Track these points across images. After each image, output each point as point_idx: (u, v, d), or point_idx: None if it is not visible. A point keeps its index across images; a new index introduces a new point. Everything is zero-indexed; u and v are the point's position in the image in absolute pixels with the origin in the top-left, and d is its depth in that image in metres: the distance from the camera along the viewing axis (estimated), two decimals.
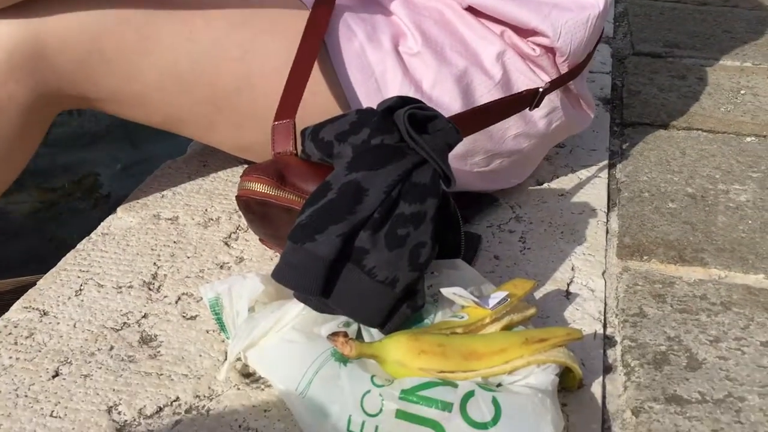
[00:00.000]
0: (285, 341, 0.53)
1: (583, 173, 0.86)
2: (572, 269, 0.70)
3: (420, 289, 0.56)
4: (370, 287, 0.52)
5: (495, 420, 0.45)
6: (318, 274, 0.51)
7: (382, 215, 0.53)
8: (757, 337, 0.61)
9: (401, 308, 0.54)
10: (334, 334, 0.48)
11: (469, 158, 0.74)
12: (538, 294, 0.66)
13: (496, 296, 0.56)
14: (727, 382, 0.57)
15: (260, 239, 0.71)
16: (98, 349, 0.59)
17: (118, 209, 0.77)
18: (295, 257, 0.52)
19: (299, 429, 0.51)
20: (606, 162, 0.88)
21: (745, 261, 0.70)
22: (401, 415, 0.46)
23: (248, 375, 0.56)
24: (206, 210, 0.77)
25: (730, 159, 0.88)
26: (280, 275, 0.53)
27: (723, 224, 0.76)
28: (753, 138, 0.93)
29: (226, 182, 0.82)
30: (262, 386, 0.55)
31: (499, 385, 0.49)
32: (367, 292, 0.52)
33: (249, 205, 0.64)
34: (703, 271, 0.69)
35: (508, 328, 0.54)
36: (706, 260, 0.71)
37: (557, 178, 0.85)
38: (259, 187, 0.62)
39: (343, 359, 0.49)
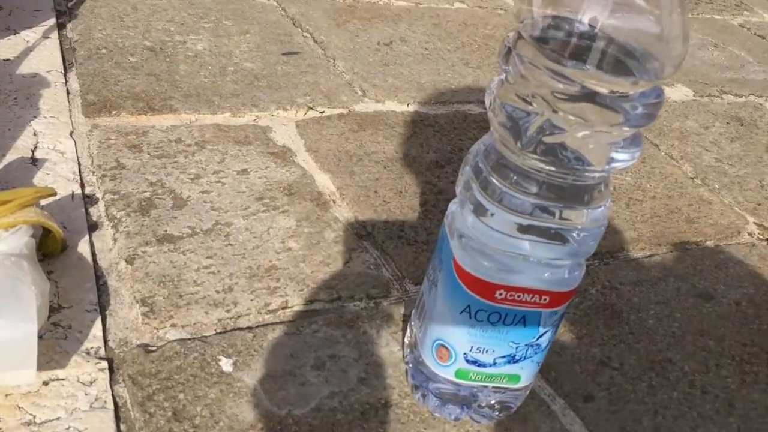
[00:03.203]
0: None
1: (30, 35, 0.76)
2: (35, 134, 0.62)
3: None
4: None
5: None
6: None
7: None
8: (233, 167, 0.64)
9: None
10: None
11: None
12: None
13: None
14: (213, 212, 0.58)
15: None
16: None
17: None
18: None
19: None
20: (53, 22, 0.79)
21: (211, 103, 0.72)
22: None
23: None
24: None
25: (182, 12, 0.88)
26: None
27: (186, 72, 0.76)
28: None
29: None
30: None
31: None
32: None
33: None
34: (174, 117, 0.69)
35: None
36: (176, 107, 0.70)
37: None
38: None
39: None
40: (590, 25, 0.33)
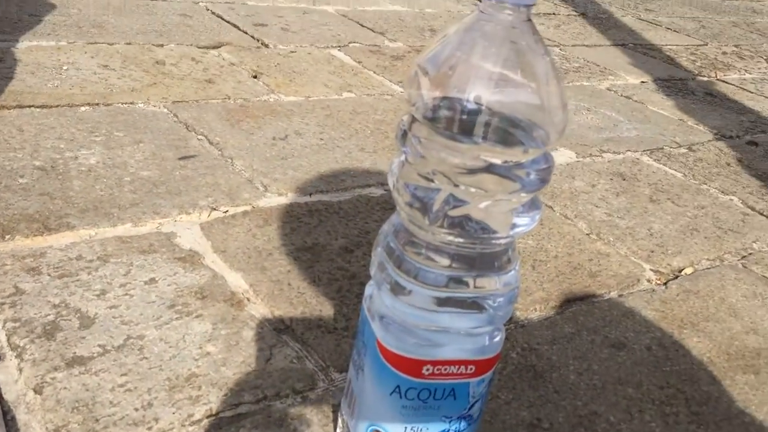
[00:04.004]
0: None
1: None
2: None
3: None
4: None
5: None
6: None
7: None
8: (140, 278, 0.62)
9: None
10: None
11: None
12: None
13: None
14: (123, 326, 0.56)
15: None
16: None
17: None
18: None
19: None
20: None
21: (110, 215, 0.70)
22: None
23: None
24: None
25: (71, 128, 0.87)
26: None
27: (80, 187, 0.74)
28: (87, 107, 0.94)
29: None
30: None
31: None
32: None
33: None
34: (72, 234, 0.67)
35: None
36: (73, 224, 0.68)
37: None
38: None
39: None
40: (477, 103, 0.35)
